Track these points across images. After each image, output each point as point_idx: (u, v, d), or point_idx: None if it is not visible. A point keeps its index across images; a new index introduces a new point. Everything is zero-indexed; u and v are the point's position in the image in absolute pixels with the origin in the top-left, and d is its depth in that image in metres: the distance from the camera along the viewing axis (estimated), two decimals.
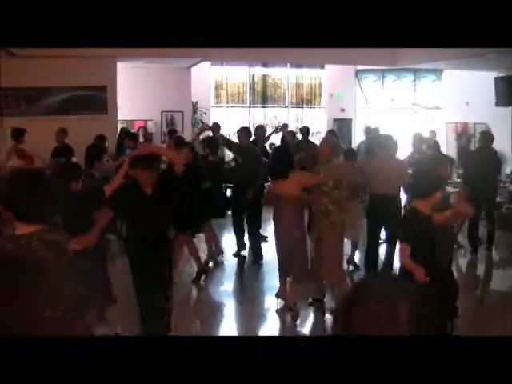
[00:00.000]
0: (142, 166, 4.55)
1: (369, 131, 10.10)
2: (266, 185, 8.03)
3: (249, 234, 8.05)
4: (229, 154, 11.69)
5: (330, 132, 10.94)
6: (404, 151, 8.35)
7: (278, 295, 6.09)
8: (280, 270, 6.03)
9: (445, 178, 5.58)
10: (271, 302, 6.21)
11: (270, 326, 5.85)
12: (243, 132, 8.23)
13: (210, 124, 10.84)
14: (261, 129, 9.66)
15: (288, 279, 6.02)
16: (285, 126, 13.21)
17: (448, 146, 13.20)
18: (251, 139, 8.62)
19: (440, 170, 5.14)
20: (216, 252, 7.85)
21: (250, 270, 7.72)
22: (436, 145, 8.56)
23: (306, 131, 10.39)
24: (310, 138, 10.71)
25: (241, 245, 8.13)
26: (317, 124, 14.85)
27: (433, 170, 4.53)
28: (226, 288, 7.15)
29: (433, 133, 12.20)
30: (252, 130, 9.43)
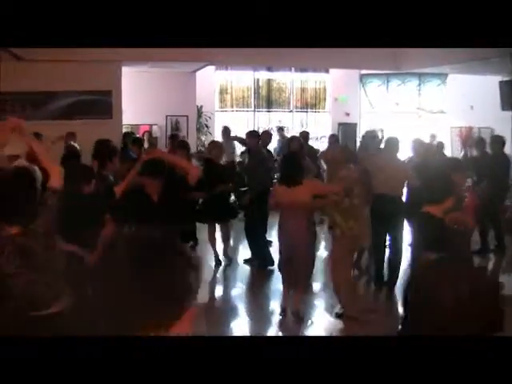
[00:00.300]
0: (148, 173, 4.59)
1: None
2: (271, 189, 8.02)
3: (255, 239, 8.01)
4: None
5: (333, 136, 10.92)
6: (406, 155, 8.33)
7: (281, 305, 6.02)
8: (283, 275, 6.01)
9: (461, 185, 5.43)
10: (277, 307, 6.18)
11: (274, 330, 5.83)
12: (252, 135, 8.26)
13: (213, 128, 10.84)
14: (266, 134, 9.67)
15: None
16: (280, 129, 13.24)
17: (453, 150, 13.17)
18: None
19: (458, 176, 4.94)
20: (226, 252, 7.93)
21: (259, 275, 7.67)
22: (440, 146, 8.49)
23: (305, 136, 10.35)
24: (314, 143, 10.67)
25: (252, 250, 8.11)
26: (321, 128, 14.87)
27: (448, 174, 4.42)
28: (235, 293, 7.14)
29: (433, 137, 12.19)
30: None
